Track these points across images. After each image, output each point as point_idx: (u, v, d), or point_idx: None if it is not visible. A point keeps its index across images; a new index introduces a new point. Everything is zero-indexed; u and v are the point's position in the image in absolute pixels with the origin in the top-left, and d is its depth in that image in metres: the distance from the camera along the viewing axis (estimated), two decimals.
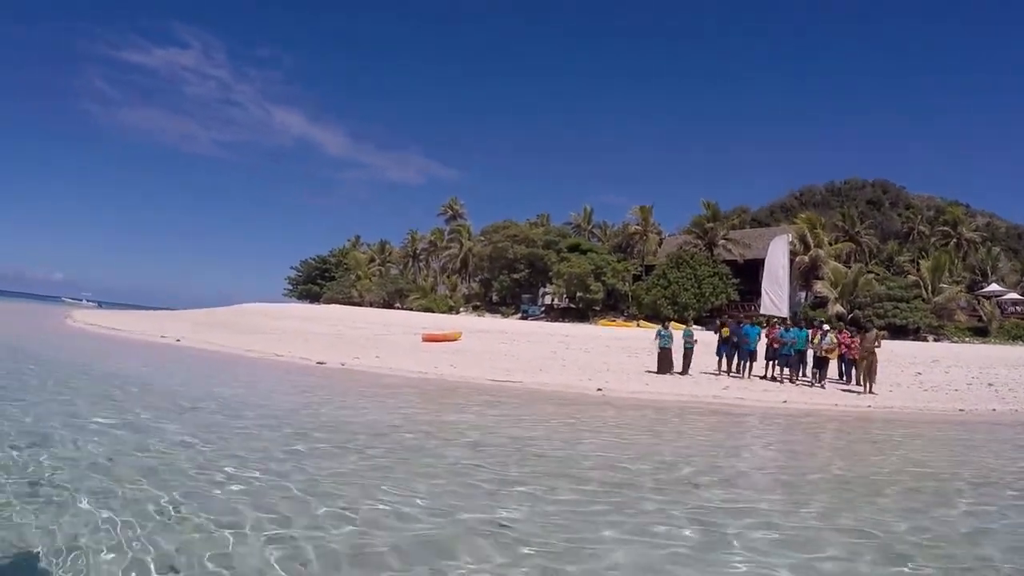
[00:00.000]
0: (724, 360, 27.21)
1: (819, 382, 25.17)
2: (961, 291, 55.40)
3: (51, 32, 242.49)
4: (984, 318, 51.89)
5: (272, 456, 10.02)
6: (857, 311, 48.70)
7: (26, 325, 46.32)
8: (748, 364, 26.68)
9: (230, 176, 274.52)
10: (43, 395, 14.61)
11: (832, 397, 23.00)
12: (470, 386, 22.98)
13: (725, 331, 27.10)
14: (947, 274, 54.55)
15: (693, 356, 27.02)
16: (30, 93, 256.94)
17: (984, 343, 46.45)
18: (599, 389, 22.97)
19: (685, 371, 26.65)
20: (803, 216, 61.67)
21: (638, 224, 69.34)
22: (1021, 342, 47.57)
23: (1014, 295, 58.05)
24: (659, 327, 28.99)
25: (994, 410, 21.99)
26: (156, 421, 12.32)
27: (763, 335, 26.77)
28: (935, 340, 46.76)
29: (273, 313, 56.53)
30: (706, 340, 28.66)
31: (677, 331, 28.09)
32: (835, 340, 25.53)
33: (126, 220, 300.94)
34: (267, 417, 14.10)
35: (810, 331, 26.78)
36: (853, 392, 23.72)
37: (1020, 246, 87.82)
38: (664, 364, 26.66)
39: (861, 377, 24.27)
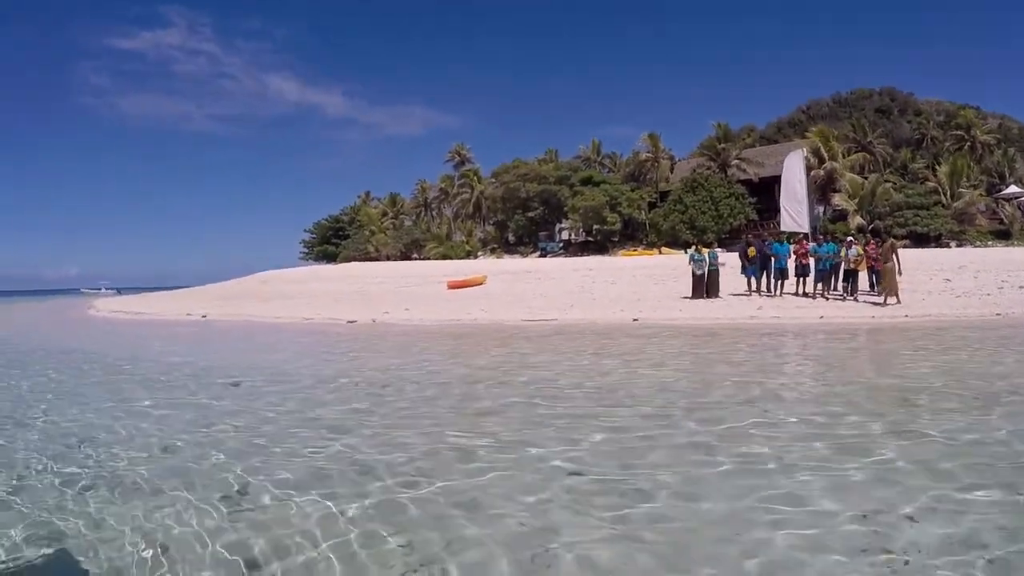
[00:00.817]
0: (753, 280, 27.26)
1: (851, 295, 25.15)
2: (981, 195, 54.80)
3: (39, 30, 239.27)
4: (1005, 221, 51.43)
5: (343, 408, 10.17)
6: (877, 221, 48.36)
7: (52, 319, 45.12)
8: (780, 282, 26.71)
9: (230, 149, 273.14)
10: (94, 390, 13.79)
11: (866, 309, 23.05)
12: (504, 327, 23.16)
13: (751, 251, 27.06)
14: (965, 179, 53.90)
15: (720, 277, 27.12)
16: (27, 96, 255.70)
17: (1008, 246, 46.17)
18: (635, 319, 23.15)
19: (714, 294, 26.70)
20: (815, 129, 60.56)
21: (648, 152, 68.71)
22: None
23: None
24: (691, 251, 28.93)
25: None
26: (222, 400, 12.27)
27: (792, 252, 26.74)
28: (957, 246, 46.54)
29: (293, 277, 56.42)
30: (732, 262, 28.69)
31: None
32: (862, 252, 25.44)
33: (133, 206, 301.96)
34: (318, 380, 14.23)
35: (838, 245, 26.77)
36: (881, 304, 23.72)
37: None
38: (697, 288, 26.75)
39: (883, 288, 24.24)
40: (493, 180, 75.95)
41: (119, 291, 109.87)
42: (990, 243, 47.85)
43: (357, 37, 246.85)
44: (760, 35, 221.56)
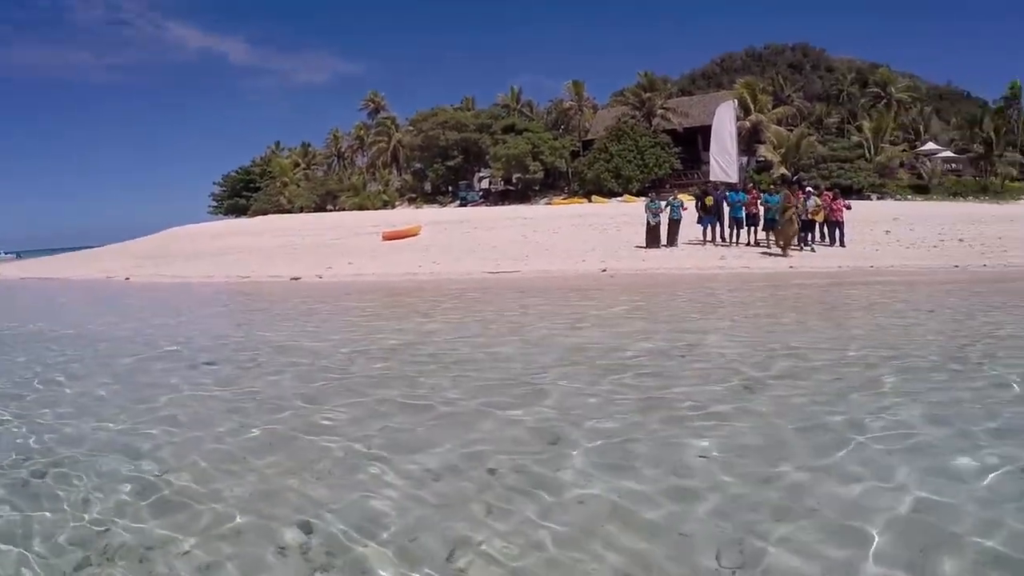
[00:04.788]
0: (708, 230, 27.13)
1: (808, 245, 25.13)
2: (904, 150, 56.52)
3: None
4: (924, 176, 53.14)
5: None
6: (802, 173, 49.31)
7: None
8: (736, 231, 26.72)
9: (131, 101, 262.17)
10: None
11: (830, 259, 23.08)
12: (475, 282, 22.17)
13: (709, 200, 26.86)
14: (887, 135, 55.29)
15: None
16: None
17: (926, 200, 47.65)
18: (603, 270, 22.67)
19: (673, 243, 26.51)
20: (743, 82, 61.51)
21: (572, 100, 68.37)
22: (961, 198, 49.02)
23: (948, 153, 59.43)
24: (647, 199, 28.71)
25: (984, 266, 22.28)
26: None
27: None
28: (879, 198, 47.71)
29: (211, 232, 53.56)
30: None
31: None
32: (819, 202, 25.44)
33: (28, 165, 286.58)
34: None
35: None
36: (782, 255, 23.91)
37: (942, 106, 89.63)
38: (653, 237, 26.48)
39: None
40: (411, 128, 74.45)
41: (18, 255, 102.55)
42: (909, 197, 49.19)
43: None
44: None
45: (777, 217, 24.45)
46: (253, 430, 6.94)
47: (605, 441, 6.13)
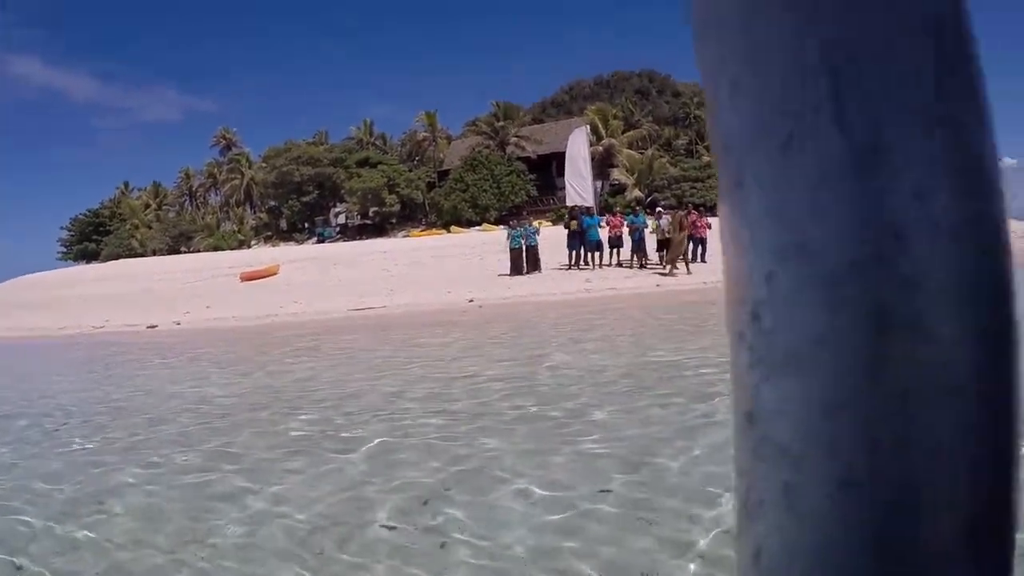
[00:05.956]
0: (574, 254, 27.53)
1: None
2: None
3: None
4: None
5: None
6: (656, 194, 50.86)
7: None
8: (595, 254, 27.16)
9: None
10: None
11: (695, 275, 23.65)
12: (338, 320, 21.86)
13: (574, 224, 27.26)
14: None
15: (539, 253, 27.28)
16: None
17: None
18: (471, 300, 22.78)
19: (535, 268, 26.86)
20: (593, 108, 63.22)
21: (425, 131, 68.63)
22: None
23: None
24: (506, 228, 29.04)
25: None
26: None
27: (603, 224, 27.33)
28: None
29: (60, 281, 50.54)
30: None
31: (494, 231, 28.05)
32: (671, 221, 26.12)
33: None
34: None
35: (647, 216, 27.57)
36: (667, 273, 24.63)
37: None
38: (516, 265, 26.79)
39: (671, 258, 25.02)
40: (264, 164, 73.22)
41: None
42: None
43: (102, 12, 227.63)
44: (521, 16, 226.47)
45: (672, 237, 24.79)
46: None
47: None
